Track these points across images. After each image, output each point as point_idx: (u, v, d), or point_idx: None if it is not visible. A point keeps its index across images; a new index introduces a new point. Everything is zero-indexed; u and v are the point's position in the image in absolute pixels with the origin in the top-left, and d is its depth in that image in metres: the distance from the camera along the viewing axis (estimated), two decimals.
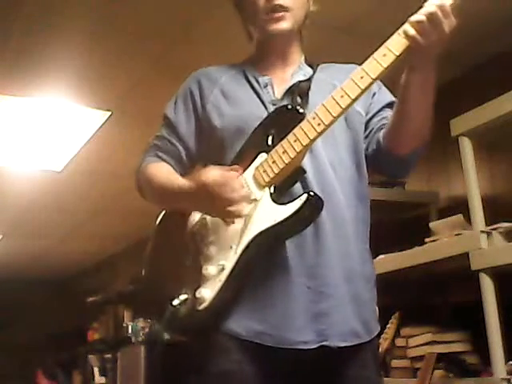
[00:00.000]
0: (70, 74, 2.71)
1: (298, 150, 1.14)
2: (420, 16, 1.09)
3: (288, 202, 1.15)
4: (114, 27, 2.39)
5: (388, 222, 3.10)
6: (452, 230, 2.20)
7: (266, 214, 1.16)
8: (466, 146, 2.07)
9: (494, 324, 1.88)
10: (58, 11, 2.25)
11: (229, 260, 1.17)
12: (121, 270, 6.47)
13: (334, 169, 1.25)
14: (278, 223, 1.13)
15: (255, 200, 1.18)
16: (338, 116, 1.12)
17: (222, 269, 1.17)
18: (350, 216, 1.26)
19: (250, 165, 1.22)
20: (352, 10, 2.33)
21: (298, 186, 1.19)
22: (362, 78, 1.10)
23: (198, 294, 1.18)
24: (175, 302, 1.22)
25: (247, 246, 1.16)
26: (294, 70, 1.36)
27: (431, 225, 2.41)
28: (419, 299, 2.62)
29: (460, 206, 2.21)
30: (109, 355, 5.83)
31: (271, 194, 1.18)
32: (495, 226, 1.96)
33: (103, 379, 6.05)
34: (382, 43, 1.14)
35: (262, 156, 1.21)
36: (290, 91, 1.30)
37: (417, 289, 2.59)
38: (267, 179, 1.18)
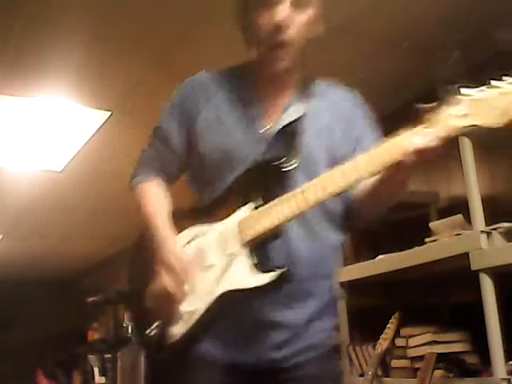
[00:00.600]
0: (70, 73, 2.71)
1: (283, 223, 1.18)
2: (421, 145, 1.11)
3: (264, 262, 1.20)
4: (114, 27, 2.39)
5: (388, 222, 3.09)
6: (452, 230, 2.20)
7: (240, 273, 1.21)
8: (466, 146, 2.07)
9: (494, 324, 1.87)
10: (58, 11, 2.25)
11: (200, 305, 1.24)
12: (121, 270, 6.47)
13: None
14: (248, 289, 1.20)
15: (233, 255, 1.22)
16: (331, 197, 1.16)
17: (194, 311, 1.24)
18: (323, 253, 1.30)
19: (234, 211, 1.25)
20: (348, 9, 2.33)
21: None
22: (356, 170, 1.13)
23: (170, 329, 1.26)
24: (148, 331, 1.30)
25: (217, 298, 1.22)
26: (289, 100, 1.33)
27: (431, 225, 2.41)
28: (419, 299, 2.62)
29: (460, 206, 2.21)
30: (109, 355, 5.84)
31: (249, 251, 1.21)
32: (495, 226, 1.96)
33: (103, 379, 6.05)
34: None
35: (248, 208, 1.23)
36: (282, 132, 1.28)
37: (417, 289, 2.59)
38: (248, 236, 1.21)
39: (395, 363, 2.36)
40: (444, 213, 2.54)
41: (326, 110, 1.34)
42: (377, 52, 2.59)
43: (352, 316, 2.59)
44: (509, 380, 1.83)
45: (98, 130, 3.35)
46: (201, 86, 1.37)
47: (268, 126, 1.29)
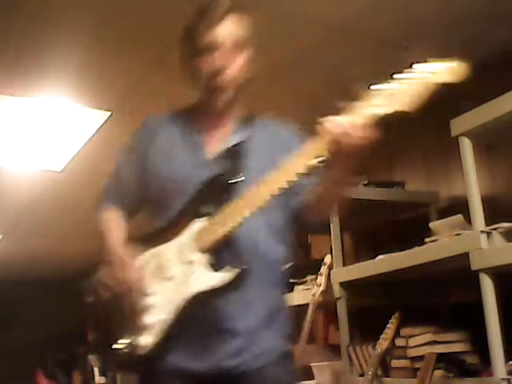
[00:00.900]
0: (70, 73, 2.71)
1: (234, 227, 1.31)
2: (339, 130, 1.24)
3: (220, 269, 1.32)
4: (114, 27, 2.39)
5: (388, 222, 3.10)
6: (452, 229, 2.20)
7: (201, 277, 1.33)
8: (466, 146, 2.07)
9: (494, 324, 1.87)
10: (58, 11, 2.25)
11: (168, 312, 1.35)
12: None
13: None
14: (212, 289, 1.32)
15: (192, 262, 1.35)
16: (273, 199, 1.30)
17: (162, 320, 1.35)
18: (268, 263, 1.43)
19: (187, 227, 1.37)
20: (348, 9, 2.33)
21: (226, 247, 1.35)
22: (296, 167, 1.27)
23: (141, 340, 1.36)
24: (118, 346, 1.39)
25: (184, 303, 1.34)
26: (231, 131, 1.49)
27: (431, 225, 2.41)
28: (419, 299, 2.62)
29: (460, 206, 2.21)
30: None
31: (206, 257, 1.34)
32: (495, 226, 1.96)
33: (103, 379, 6.05)
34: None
35: (200, 221, 1.36)
36: (226, 155, 1.43)
37: (417, 289, 2.59)
38: (204, 245, 1.34)
39: (395, 363, 2.36)
40: (444, 213, 2.54)
41: (266, 138, 1.49)
42: (376, 52, 2.59)
43: (352, 316, 2.59)
44: (509, 380, 1.83)
45: (98, 129, 3.35)
46: (153, 125, 1.54)
47: (213, 153, 1.45)
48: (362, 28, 2.45)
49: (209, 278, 1.32)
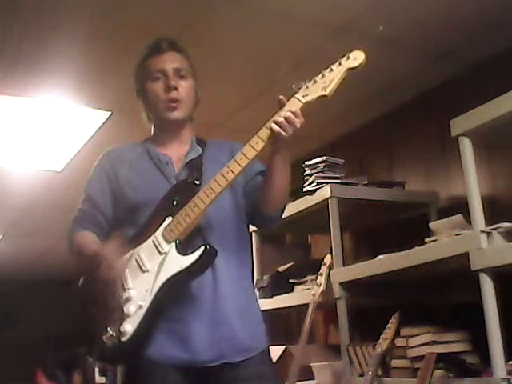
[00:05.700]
0: (70, 73, 2.71)
1: (196, 214, 1.49)
2: (280, 118, 1.47)
3: (190, 253, 1.49)
4: (114, 27, 2.39)
5: (388, 222, 3.10)
6: (452, 229, 2.20)
7: (173, 262, 1.49)
8: (466, 146, 2.07)
9: (494, 324, 1.88)
10: (58, 11, 2.25)
11: (145, 300, 1.48)
12: None
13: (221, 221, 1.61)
14: (183, 269, 1.47)
15: (165, 253, 1.51)
16: (225, 187, 1.49)
17: (140, 307, 1.48)
18: (236, 257, 1.61)
19: (159, 226, 1.54)
20: (349, 9, 2.33)
21: (198, 238, 1.53)
22: (241, 159, 1.49)
23: (121, 329, 1.47)
24: (103, 337, 1.50)
25: (160, 288, 1.48)
26: (188, 149, 1.70)
27: (431, 225, 2.41)
28: (419, 299, 2.62)
29: (460, 206, 2.21)
30: None
31: (177, 246, 1.51)
32: (495, 226, 1.96)
33: (103, 379, 6.06)
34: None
35: (169, 219, 1.53)
36: (187, 167, 1.65)
37: (417, 289, 2.59)
38: (174, 236, 1.51)
39: (395, 363, 2.36)
40: (444, 213, 2.54)
41: (218, 153, 1.71)
42: (377, 52, 2.59)
43: (352, 316, 2.59)
44: (509, 380, 1.83)
45: (98, 129, 3.35)
46: (115, 155, 1.75)
47: (176, 169, 1.66)
48: (362, 28, 2.45)
49: (179, 262, 1.48)
